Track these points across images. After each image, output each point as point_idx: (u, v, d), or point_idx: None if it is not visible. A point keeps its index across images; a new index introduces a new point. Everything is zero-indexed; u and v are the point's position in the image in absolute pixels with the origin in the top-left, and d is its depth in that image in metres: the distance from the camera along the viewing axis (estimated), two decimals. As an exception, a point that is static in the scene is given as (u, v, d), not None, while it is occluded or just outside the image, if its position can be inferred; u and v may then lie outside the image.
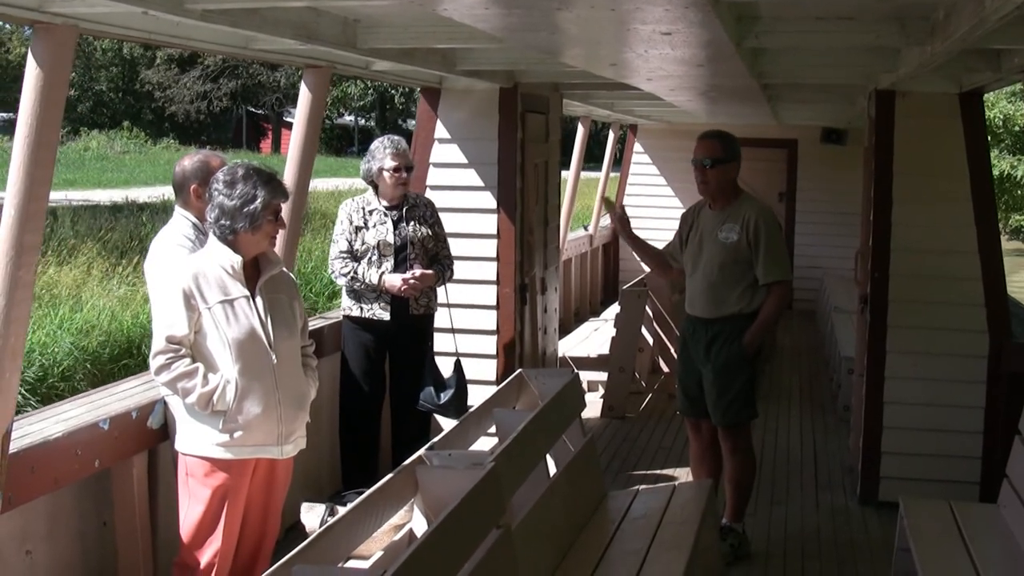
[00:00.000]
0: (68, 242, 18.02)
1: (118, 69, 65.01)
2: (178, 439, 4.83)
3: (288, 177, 6.53)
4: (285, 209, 6.38)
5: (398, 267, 6.92)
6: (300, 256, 17.63)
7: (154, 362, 4.65)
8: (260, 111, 68.90)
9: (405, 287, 6.84)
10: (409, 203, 7.06)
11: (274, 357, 4.73)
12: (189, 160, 5.33)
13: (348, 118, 71.49)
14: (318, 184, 34.93)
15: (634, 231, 6.77)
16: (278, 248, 6.44)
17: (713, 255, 6.36)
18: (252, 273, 4.80)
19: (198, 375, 4.61)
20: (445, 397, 6.91)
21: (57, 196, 29.46)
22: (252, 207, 4.69)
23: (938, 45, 4.83)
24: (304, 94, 6.46)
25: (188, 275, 4.67)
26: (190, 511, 4.76)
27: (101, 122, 61.70)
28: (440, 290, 7.21)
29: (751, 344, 6.31)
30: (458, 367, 7.06)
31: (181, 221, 5.24)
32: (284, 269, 5.03)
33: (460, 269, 7.44)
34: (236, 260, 4.73)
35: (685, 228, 6.66)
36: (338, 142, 69.03)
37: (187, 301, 4.63)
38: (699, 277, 6.45)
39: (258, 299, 4.75)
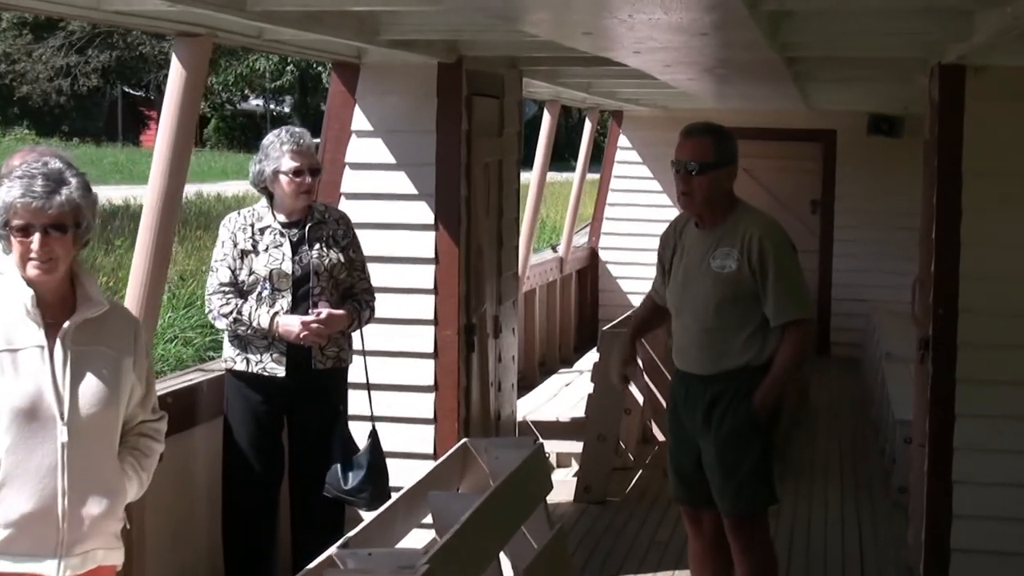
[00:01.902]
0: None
1: (-52, 36, 65.03)
2: None
3: (155, 178, 6.43)
4: (148, 219, 6.28)
5: (298, 305, 6.84)
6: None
7: None
8: (140, 93, 69.05)
9: (306, 332, 6.74)
10: (315, 218, 7.00)
11: (64, 433, 4.50)
12: (20, 158, 5.11)
13: (256, 102, 71.70)
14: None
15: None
16: (137, 277, 6.31)
17: (706, 291, 6.32)
18: (64, 314, 4.57)
19: None
20: (354, 480, 6.82)
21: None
22: None
23: (1021, 6, 4.78)
24: (176, 70, 6.48)
25: None
26: None
27: (-76, 106, 61.83)
28: (356, 335, 7.13)
29: (764, 405, 6.28)
30: (373, 438, 6.98)
31: (6, 242, 5.04)
32: (119, 309, 4.78)
33: (386, 305, 7.44)
34: (27, 296, 4.51)
35: (667, 253, 6.62)
36: (242, 133, 69.13)
37: None
38: (689, 321, 6.43)
39: (57, 350, 4.52)
